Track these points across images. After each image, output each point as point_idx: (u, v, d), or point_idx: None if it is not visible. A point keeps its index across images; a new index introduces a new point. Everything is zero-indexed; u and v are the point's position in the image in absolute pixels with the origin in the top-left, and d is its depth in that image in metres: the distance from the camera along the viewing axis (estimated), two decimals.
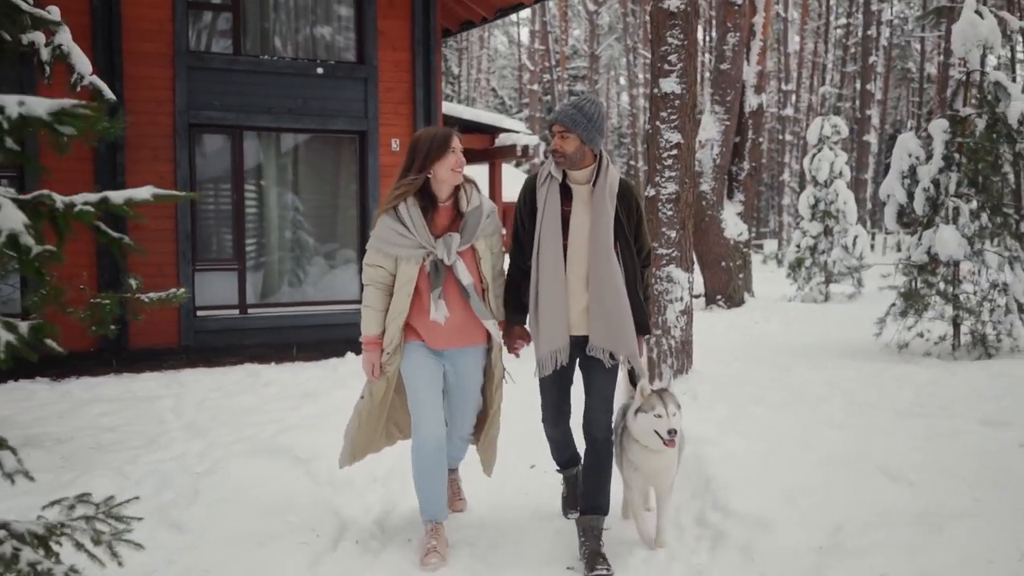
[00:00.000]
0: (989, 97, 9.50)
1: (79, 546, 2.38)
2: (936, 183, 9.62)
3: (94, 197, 2.36)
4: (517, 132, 14.51)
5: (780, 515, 4.07)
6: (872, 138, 33.98)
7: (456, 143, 4.03)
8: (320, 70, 10.28)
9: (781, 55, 36.84)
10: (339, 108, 10.37)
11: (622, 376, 4.19)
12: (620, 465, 4.18)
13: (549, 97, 44.04)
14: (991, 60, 10.01)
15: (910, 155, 9.87)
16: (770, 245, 40.12)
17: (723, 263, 14.52)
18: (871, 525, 4.01)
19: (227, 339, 9.84)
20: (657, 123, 7.20)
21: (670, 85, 7.09)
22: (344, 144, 10.65)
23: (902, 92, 53.77)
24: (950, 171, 9.53)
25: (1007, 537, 3.86)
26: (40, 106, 2.22)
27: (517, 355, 4.26)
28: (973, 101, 9.74)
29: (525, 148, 13.98)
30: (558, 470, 4.57)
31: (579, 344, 4.05)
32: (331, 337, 10.10)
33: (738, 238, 14.93)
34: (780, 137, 38.26)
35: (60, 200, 2.32)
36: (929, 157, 9.72)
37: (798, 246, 16.68)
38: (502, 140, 14.44)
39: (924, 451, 5.33)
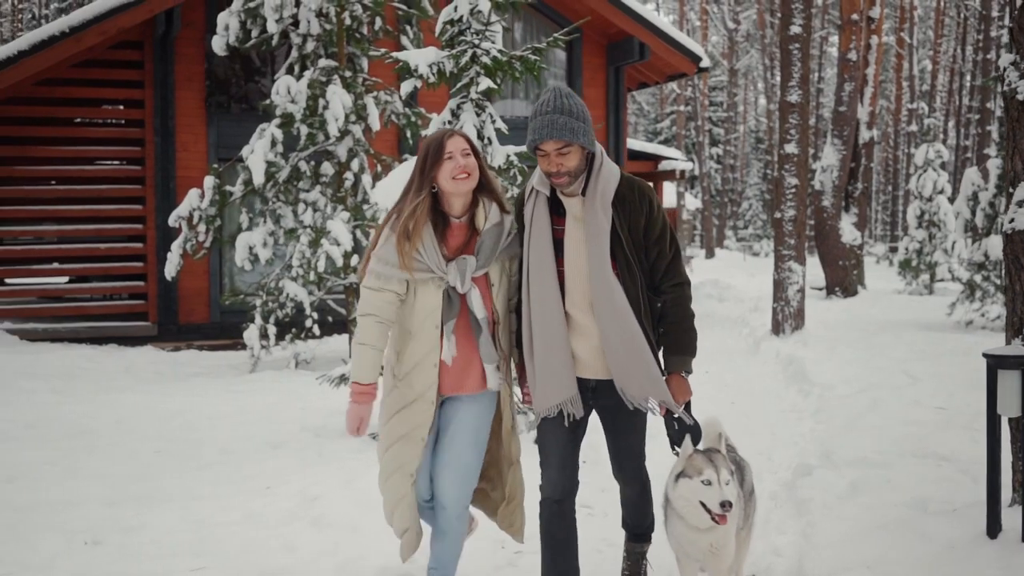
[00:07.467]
0: None
1: None
2: (992, 204, 13.33)
3: None
4: (676, 159, 18.81)
5: (838, 382, 8.24)
6: (992, 151, 36.35)
7: (454, 146, 3.32)
8: None
9: (907, 77, 39.46)
10: None
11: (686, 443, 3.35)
12: (668, 535, 3.46)
13: (689, 108, 47.36)
14: None
15: (973, 184, 13.62)
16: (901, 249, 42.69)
17: (840, 262, 18.30)
18: (886, 385, 8.16)
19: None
20: (782, 172, 11.36)
21: (791, 148, 11.24)
22: None
23: None
24: (1001, 196, 13.22)
25: (913, 390, 8.01)
26: None
27: (529, 402, 3.51)
28: None
29: (683, 172, 18.27)
30: None
31: (592, 388, 3.40)
32: None
33: (852, 243, 18.65)
34: (906, 151, 40.83)
35: None
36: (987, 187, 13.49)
37: (906, 249, 20.27)
38: (663, 165, 18.78)
39: (934, 366, 9.37)
